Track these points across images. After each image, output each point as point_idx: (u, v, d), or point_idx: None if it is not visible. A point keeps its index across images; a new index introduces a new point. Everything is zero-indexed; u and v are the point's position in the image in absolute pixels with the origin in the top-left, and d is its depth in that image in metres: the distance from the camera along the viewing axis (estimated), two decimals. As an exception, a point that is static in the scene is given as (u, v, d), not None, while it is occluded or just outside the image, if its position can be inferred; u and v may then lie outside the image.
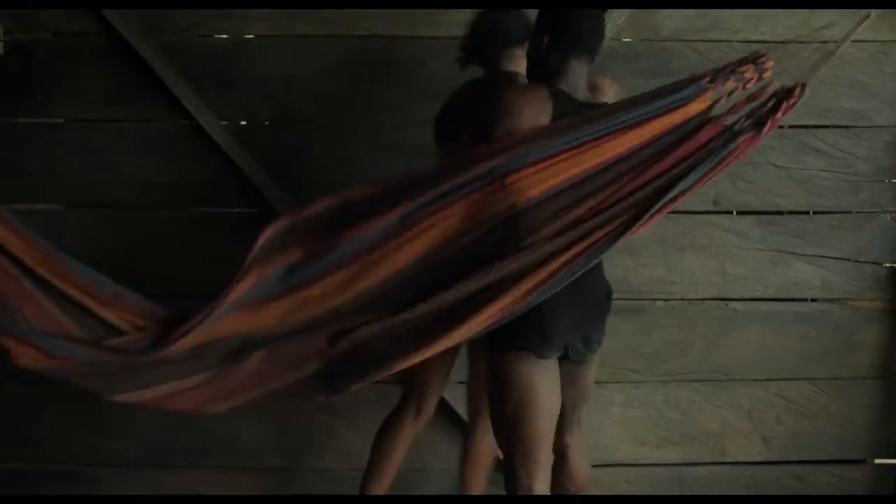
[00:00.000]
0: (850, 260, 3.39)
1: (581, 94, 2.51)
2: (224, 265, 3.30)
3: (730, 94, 2.38)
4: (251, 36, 3.30)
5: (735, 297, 3.39)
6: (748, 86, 2.39)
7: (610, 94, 2.62)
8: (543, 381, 2.46)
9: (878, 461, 3.49)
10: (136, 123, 3.30)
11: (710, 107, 2.37)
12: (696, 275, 3.38)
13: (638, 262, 3.33)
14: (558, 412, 2.52)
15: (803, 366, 3.43)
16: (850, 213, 3.38)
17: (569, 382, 2.56)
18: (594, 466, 3.35)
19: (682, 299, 3.39)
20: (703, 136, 2.36)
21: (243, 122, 3.32)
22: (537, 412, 2.45)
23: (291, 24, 3.27)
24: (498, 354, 2.48)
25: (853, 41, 3.28)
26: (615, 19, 3.20)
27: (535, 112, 2.41)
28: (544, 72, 2.52)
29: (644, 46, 3.27)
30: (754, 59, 2.42)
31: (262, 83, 3.28)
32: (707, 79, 2.38)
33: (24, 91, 3.26)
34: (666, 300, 3.39)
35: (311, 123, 3.31)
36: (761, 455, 3.46)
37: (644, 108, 2.35)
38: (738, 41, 3.30)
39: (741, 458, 3.46)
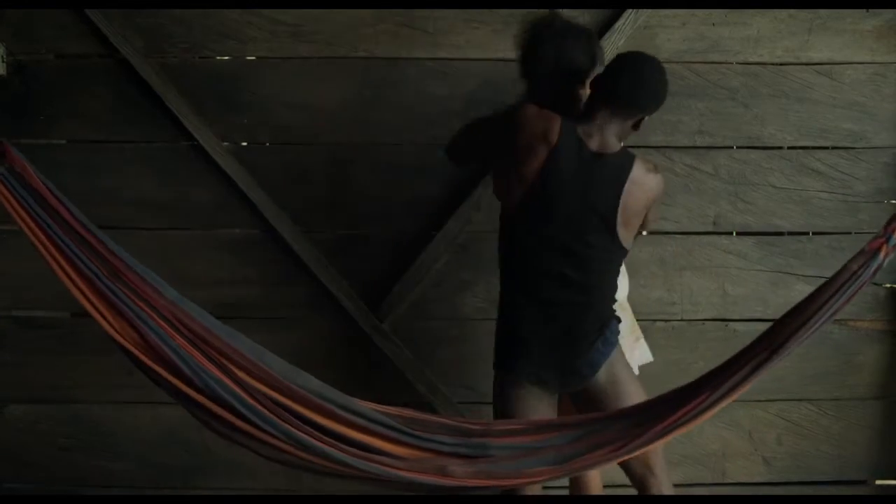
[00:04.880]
0: (850, 280, 3.39)
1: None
2: (225, 286, 3.34)
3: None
4: (252, 57, 3.31)
5: (735, 317, 3.39)
6: None
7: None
8: (514, 402, 2.61)
9: (879, 482, 3.48)
10: (137, 144, 3.31)
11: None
12: (696, 296, 3.38)
13: (638, 283, 3.33)
14: None
15: (804, 386, 3.43)
16: (850, 233, 3.38)
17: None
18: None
19: (682, 320, 3.39)
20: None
21: (244, 143, 3.33)
22: None
23: (292, 45, 3.28)
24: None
25: (851, 63, 3.33)
26: (614, 42, 3.21)
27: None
28: None
29: (643, 68, 3.28)
30: None
31: (262, 104, 3.29)
32: (883, 253, 2.33)
33: (26, 112, 3.27)
34: (666, 321, 3.39)
35: (312, 144, 3.32)
36: (762, 476, 3.45)
37: (835, 301, 2.34)
38: (737, 63, 3.32)
39: (742, 479, 3.45)
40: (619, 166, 2.56)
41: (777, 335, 2.35)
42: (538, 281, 2.61)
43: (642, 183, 2.58)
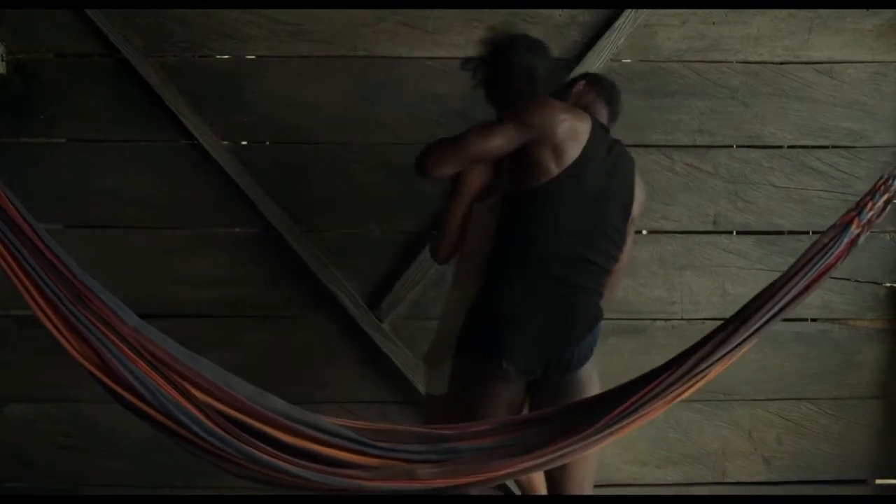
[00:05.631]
0: (849, 280, 3.39)
1: None
2: (225, 285, 3.34)
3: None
4: (252, 56, 3.31)
5: (735, 316, 3.39)
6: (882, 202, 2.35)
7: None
8: (486, 391, 2.56)
9: (878, 481, 3.48)
10: (137, 143, 3.31)
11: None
12: (697, 295, 3.38)
13: (638, 281, 3.33)
14: None
15: (804, 386, 3.43)
16: (850, 232, 3.38)
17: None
18: (595, 486, 3.35)
19: (682, 319, 3.39)
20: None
21: (244, 142, 3.33)
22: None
23: (292, 44, 3.28)
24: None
25: (851, 62, 3.33)
26: (614, 41, 3.22)
27: None
28: None
29: (643, 67, 3.28)
30: (884, 182, 2.37)
31: (262, 103, 3.29)
32: (854, 226, 2.32)
33: (26, 111, 3.27)
34: (666, 320, 3.39)
35: (312, 143, 3.32)
36: (762, 475, 3.45)
37: (805, 273, 2.31)
38: (737, 62, 3.32)
39: (742, 479, 3.45)
40: (630, 158, 2.70)
41: (743, 311, 2.36)
42: (550, 261, 2.55)
43: (639, 185, 2.73)
